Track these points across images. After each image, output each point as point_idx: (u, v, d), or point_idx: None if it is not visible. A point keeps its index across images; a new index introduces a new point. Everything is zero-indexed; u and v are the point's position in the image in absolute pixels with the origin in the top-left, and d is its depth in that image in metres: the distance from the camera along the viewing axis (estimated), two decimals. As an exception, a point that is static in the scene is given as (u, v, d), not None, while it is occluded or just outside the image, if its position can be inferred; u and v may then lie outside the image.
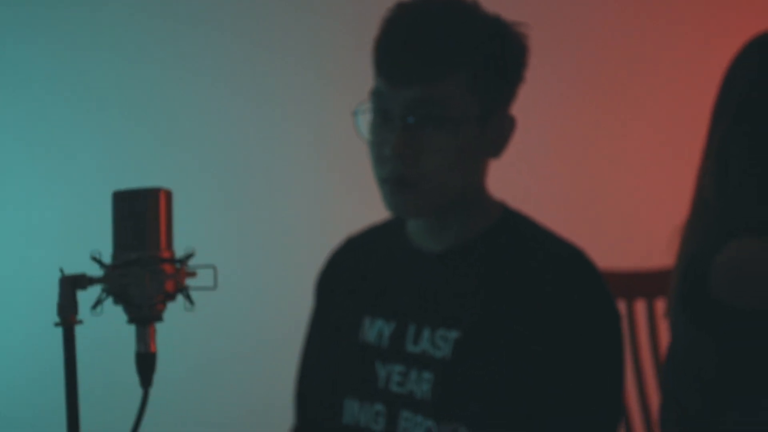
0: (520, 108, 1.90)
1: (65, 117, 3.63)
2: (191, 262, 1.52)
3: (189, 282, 1.51)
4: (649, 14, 3.49)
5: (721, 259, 1.95)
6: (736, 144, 2.00)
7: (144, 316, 1.48)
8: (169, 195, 1.51)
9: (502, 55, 1.87)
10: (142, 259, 1.46)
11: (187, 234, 1.63)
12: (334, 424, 2.14)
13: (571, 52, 3.47)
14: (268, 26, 3.59)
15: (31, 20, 3.57)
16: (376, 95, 1.86)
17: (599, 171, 3.48)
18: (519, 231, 1.97)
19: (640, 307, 2.53)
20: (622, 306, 2.50)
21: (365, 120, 1.92)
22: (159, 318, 1.51)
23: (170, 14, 3.58)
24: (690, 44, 3.44)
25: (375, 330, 2.11)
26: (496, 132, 1.87)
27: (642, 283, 2.48)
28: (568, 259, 1.93)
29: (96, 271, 1.49)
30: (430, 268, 2.03)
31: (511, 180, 3.01)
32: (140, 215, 1.46)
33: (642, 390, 2.51)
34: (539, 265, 1.91)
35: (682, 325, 2.04)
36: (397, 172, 1.87)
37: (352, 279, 2.22)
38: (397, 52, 1.84)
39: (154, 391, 1.55)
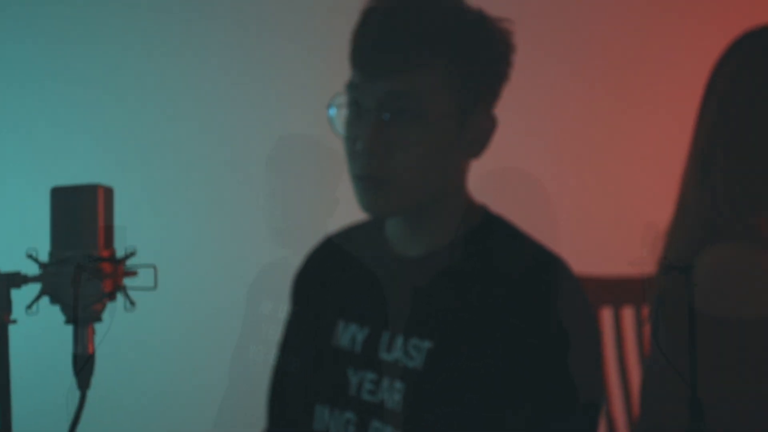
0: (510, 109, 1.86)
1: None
2: (132, 261, 1.48)
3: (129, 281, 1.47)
4: (646, 21, 3.44)
5: (700, 267, 1.90)
6: (717, 149, 1.95)
7: (81, 316, 1.44)
8: (108, 192, 1.46)
9: (483, 51, 1.77)
10: (77, 258, 1.42)
11: (135, 233, 1.59)
12: (305, 430, 2.09)
13: (570, 55, 3.42)
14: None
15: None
16: (351, 88, 1.76)
17: (588, 177, 3.43)
18: (498, 237, 1.89)
19: (627, 313, 2.47)
20: (609, 313, 2.45)
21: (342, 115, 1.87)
22: (97, 318, 1.46)
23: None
24: (690, 47, 3.38)
25: (348, 335, 2.04)
26: (475, 131, 1.77)
27: (630, 289, 2.43)
28: (547, 267, 1.85)
29: (34, 269, 1.46)
30: (406, 272, 1.96)
31: (496, 182, 2.97)
32: (76, 212, 1.42)
33: (628, 398, 2.46)
34: (518, 274, 1.84)
35: (661, 332, 1.98)
36: (368, 169, 1.80)
37: (328, 280, 2.16)
38: (372, 42, 1.73)
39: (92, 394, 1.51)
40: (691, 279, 1.88)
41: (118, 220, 3.22)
